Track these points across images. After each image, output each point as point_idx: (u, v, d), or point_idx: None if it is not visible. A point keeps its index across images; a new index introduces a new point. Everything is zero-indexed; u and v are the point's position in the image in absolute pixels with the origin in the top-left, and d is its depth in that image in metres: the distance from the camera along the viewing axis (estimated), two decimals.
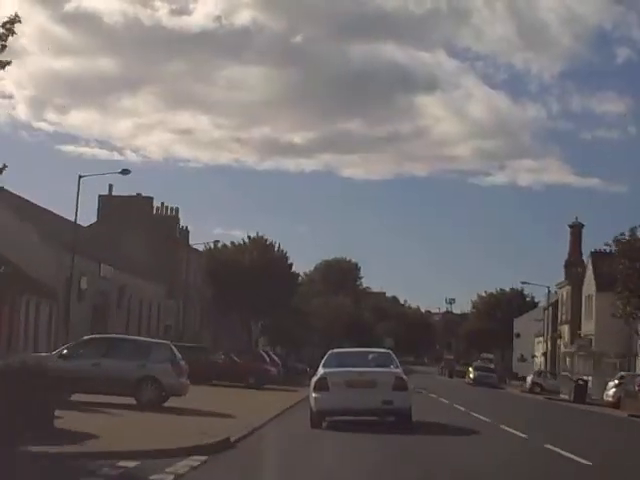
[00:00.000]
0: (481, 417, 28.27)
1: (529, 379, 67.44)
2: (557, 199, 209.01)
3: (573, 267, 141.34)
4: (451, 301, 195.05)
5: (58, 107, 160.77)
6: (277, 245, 60.07)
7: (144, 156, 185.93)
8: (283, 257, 59.58)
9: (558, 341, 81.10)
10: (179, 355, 26.96)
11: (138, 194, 77.18)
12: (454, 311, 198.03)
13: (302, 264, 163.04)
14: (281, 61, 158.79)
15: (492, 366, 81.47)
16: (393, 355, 23.90)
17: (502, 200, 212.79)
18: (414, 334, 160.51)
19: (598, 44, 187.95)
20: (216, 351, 48.63)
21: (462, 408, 33.36)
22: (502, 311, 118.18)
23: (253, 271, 54.43)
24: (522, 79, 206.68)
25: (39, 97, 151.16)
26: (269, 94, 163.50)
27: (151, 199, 77.20)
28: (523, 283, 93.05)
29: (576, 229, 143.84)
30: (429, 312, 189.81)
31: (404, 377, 22.06)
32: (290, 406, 31.25)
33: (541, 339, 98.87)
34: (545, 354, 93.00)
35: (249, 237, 60.62)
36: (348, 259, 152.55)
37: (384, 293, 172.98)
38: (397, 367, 22.49)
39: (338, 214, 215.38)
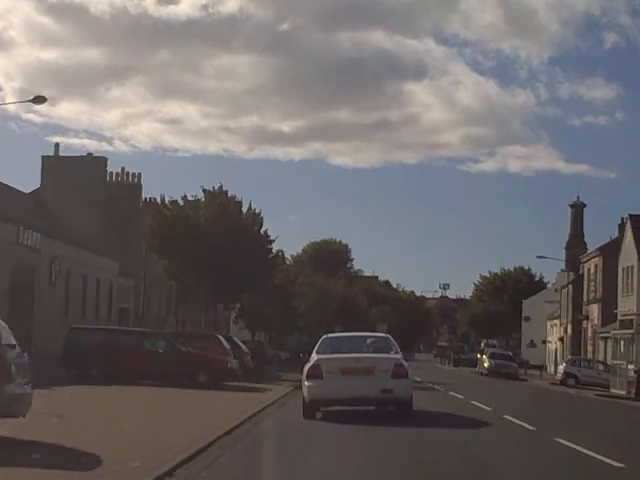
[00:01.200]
0: (587, 451, 14.97)
1: (561, 368, 54.33)
2: (547, 185, 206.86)
3: (574, 247, 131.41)
4: (445, 286, 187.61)
5: (47, 98, 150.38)
6: (246, 203, 46.11)
7: (133, 146, 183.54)
8: (255, 219, 46.12)
9: (584, 323, 68.03)
10: (11, 340, 13.72)
11: (89, 154, 64.34)
12: (449, 296, 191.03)
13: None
14: (269, 49, 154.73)
15: (510, 353, 68.38)
16: (392, 340, 21.43)
17: (492, 186, 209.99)
18: (409, 319, 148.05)
19: (586, 30, 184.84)
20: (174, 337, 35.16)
21: (527, 425, 19.92)
22: (508, 293, 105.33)
23: (212, 234, 40.81)
24: (511, 65, 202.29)
25: (27, 88, 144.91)
26: (257, 83, 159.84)
27: (104, 160, 64.08)
28: (539, 257, 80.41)
29: (577, 209, 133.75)
30: (423, 297, 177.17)
31: (404, 363, 20.01)
32: (242, 422, 18.28)
33: (556, 322, 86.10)
34: (562, 339, 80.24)
35: (204, 190, 44.82)
36: (338, 240, 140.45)
37: (377, 277, 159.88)
38: (397, 353, 20.43)
39: (328, 202, 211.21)
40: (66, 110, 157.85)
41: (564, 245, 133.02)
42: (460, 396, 30.25)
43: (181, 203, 43.23)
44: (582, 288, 69.46)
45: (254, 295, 73.06)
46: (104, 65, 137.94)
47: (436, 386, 37.46)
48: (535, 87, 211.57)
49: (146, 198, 64.81)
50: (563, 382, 51.93)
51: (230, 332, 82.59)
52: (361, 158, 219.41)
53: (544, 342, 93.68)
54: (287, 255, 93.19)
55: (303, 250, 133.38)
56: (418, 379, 44.08)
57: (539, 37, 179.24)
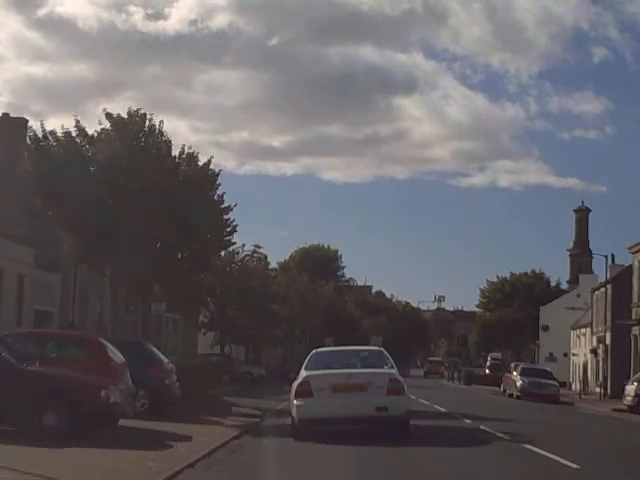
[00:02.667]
0: None
1: (630, 390, 38.52)
2: (537, 199, 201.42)
3: (580, 254, 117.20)
4: (440, 298, 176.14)
5: (35, 114, 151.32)
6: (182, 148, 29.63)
7: None
8: (207, 176, 30.01)
9: (635, 330, 52.38)
10: None
11: (5, 114, 48.75)
12: (446, 308, 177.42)
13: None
14: (259, 64, 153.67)
15: (547, 369, 52.67)
16: (386, 354, 19.43)
17: (483, 201, 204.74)
18: (405, 332, 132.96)
19: (575, 44, 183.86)
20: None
21: None
22: (520, 300, 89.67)
23: (120, 183, 24.52)
24: (500, 80, 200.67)
25: (16, 103, 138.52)
26: (247, 98, 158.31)
27: (24, 122, 48.36)
28: (571, 251, 64.75)
29: (582, 214, 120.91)
30: (419, 309, 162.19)
31: (400, 379, 18.09)
32: None
33: (585, 331, 70.63)
34: (595, 351, 64.74)
35: (109, 115, 27.13)
36: (327, 246, 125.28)
37: (370, 287, 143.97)
38: (392, 367, 18.50)
39: (320, 217, 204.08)
40: (54, 125, 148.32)
41: (568, 252, 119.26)
42: (572, 464, 14.20)
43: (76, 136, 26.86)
44: (630, 285, 53.81)
45: (221, 295, 57.82)
46: (93, 80, 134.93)
47: (483, 426, 21.73)
48: (525, 101, 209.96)
49: None
50: (635, 409, 36.37)
51: (197, 344, 67.15)
52: (352, 173, 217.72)
53: (566, 355, 78.33)
54: (274, 264, 78.07)
55: (291, 257, 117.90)
56: (443, 409, 28.71)
57: (528, 51, 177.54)
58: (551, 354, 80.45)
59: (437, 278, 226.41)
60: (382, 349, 20.29)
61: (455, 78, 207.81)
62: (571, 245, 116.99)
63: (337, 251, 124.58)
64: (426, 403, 33.04)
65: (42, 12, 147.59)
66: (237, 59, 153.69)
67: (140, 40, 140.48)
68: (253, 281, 59.70)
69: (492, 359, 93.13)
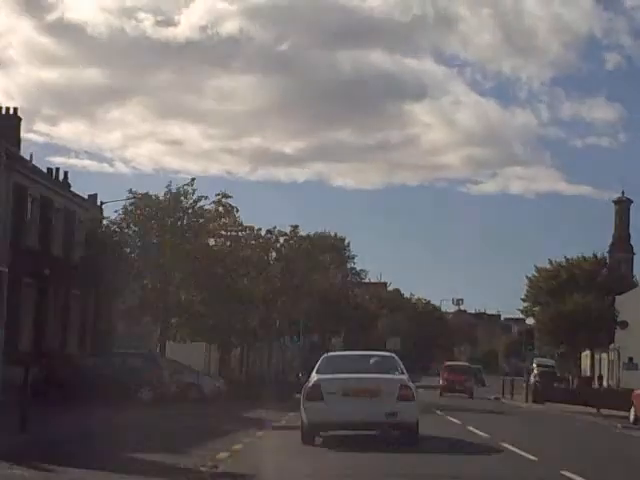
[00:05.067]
0: None
1: None
2: (548, 207, 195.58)
3: (620, 251, 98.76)
4: (459, 302, 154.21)
5: (47, 118, 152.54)
6: None
7: (134, 167, 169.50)
8: None
9: None
10: None
11: None
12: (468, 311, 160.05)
13: None
14: (270, 70, 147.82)
15: None
16: (397, 359, 18.96)
17: (494, 208, 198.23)
18: (425, 333, 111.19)
19: (587, 51, 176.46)
20: None
21: None
22: (581, 290, 66.02)
23: None
24: (511, 86, 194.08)
25: (27, 108, 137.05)
26: (258, 104, 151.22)
27: None
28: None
29: (622, 206, 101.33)
30: (440, 309, 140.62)
31: (411, 385, 17.50)
32: None
33: None
34: None
35: None
36: (334, 234, 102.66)
37: (385, 283, 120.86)
38: (402, 373, 17.96)
39: (331, 223, 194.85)
40: (67, 130, 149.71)
41: (607, 249, 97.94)
42: None
43: None
44: None
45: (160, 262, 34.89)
46: (104, 86, 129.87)
47: None
48: (536, 108, 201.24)
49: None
50: None
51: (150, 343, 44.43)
52: (363, 179, 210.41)
53: None
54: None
55: None
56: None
57: (540, 58, 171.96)
58: (631, 359, 57.14)
59: (451, 283, 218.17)
60: (393, 355, 19.56)
61: (466, 84, 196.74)
62: (610, 241, 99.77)
63: (344, 239, 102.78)
64: None
65: (52, 17, 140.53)
66: (247, 65, 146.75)
67: (150, 46, 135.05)
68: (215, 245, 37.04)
69: (540, 366, 70.63)
